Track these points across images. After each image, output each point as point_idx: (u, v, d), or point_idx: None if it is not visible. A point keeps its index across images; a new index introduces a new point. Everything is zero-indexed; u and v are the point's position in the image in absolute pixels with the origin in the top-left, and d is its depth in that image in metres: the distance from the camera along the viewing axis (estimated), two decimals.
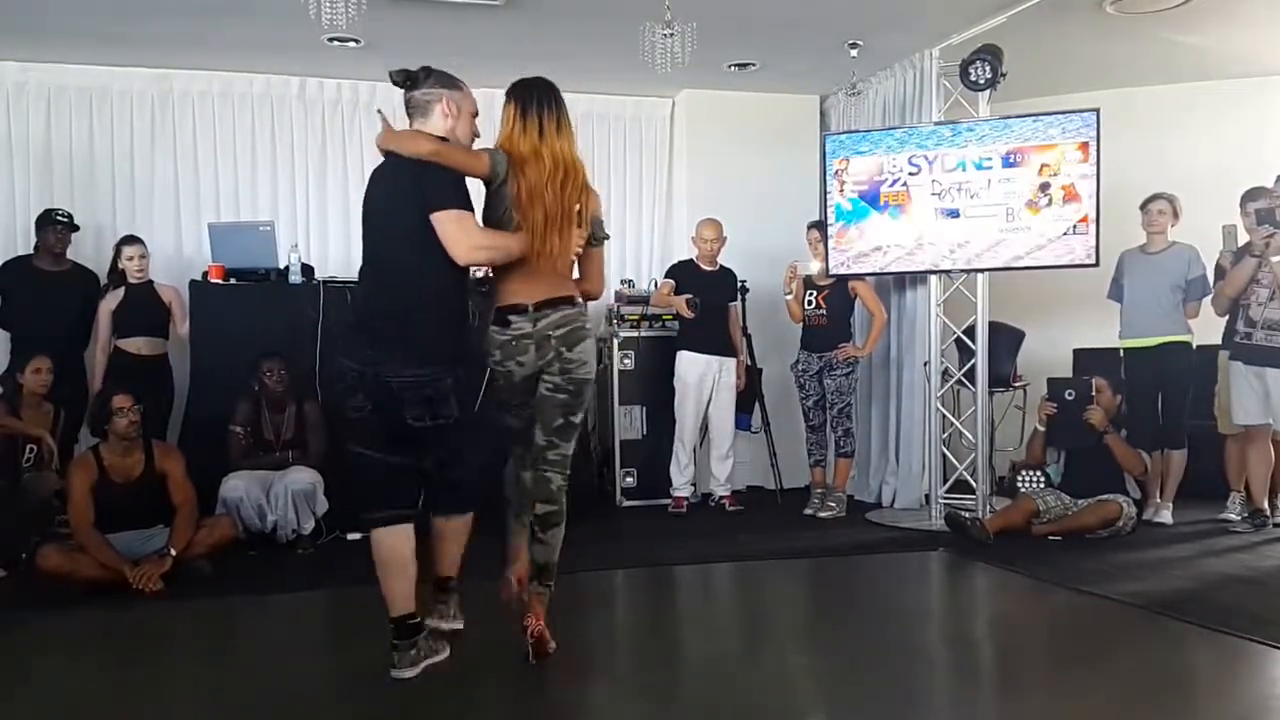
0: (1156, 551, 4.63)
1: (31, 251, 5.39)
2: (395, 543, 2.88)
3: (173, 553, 4.09)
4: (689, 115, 6.64)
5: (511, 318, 2.98)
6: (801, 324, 5.77)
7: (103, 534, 4.07)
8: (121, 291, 5.29)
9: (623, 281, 6.41)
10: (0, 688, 3.02)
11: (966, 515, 4.98)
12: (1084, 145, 5.01)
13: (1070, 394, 5.06)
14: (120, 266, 5.33)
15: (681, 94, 6.66)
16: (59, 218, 5.29)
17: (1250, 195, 5.11)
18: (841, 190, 5.54)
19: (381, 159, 2.97)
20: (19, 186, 5.81)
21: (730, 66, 6.07)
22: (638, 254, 6.76)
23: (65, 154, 5.87)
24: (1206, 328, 5.34)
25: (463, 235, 2.82)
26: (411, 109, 2.98)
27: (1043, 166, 5.10)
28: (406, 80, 2.97)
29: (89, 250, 5.67)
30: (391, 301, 2.87)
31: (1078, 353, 6.25)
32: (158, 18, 5.08)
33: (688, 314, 5.60)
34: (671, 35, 4.58)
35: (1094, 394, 5.02)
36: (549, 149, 2.97)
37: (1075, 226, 5.05)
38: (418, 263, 2.84)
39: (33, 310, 5.17)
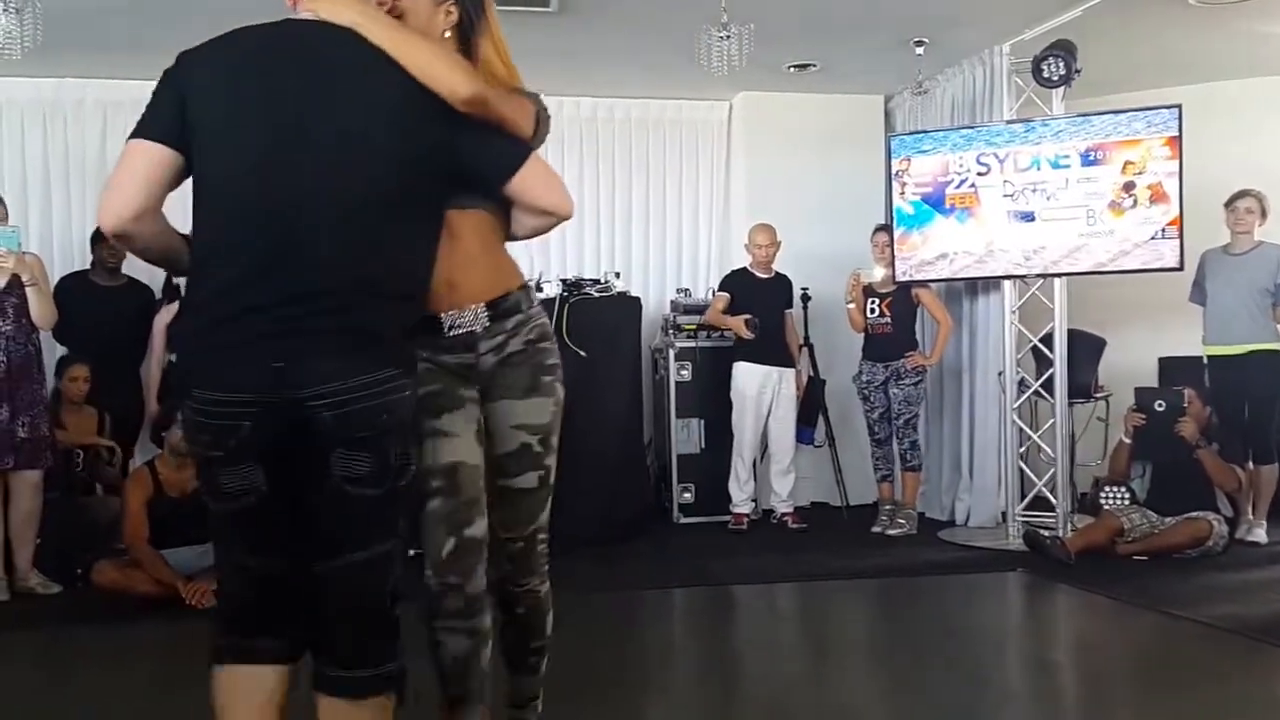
0: (1250, 572, 4.48)
1: (88, 267, 5.44)
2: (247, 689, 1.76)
3: None
4: (746, 119, 6.54)
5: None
6: (864, 333, 5.63)
7: (157, 549, 4.08)
8: (176, 305, 5.31)
9: (679, 290, 6.31)
10: (56, 701, 3.05)
11: (1046, 534, 4.82)
12: (1171, 140, 4.79)
13: (1161, 405, 4.89)
14: (175, 280, 5.35)
15: (739, 97, 6.55)
16: None
17: None
18: (903, 193, 5.37)
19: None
20: (75, 202, 5.89)
21: (789, 67, 5.96)
22: (694, 262, 6.64)
23: None
24: None
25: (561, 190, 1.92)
26: None
27: (1127, 164, 4.88)
28: None
29: (144, 264, 5.69)
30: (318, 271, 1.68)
31: (1163, 361, 6.02)
32: (215, 33, 5.07)
33: (747, 335, 5.51)
34: (728, 37, 4.54)
35: (1185, 405, 4.85)
36: None
37: (1164, 230, 4.82)
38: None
39: (88, 324, 5.21)
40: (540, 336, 2.02)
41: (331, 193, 1.67)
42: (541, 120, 1.94)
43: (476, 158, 1.83)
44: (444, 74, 1.74)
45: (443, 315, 1.92)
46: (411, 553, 2.23)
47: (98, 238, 5.36)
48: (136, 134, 1.72)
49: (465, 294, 1.94)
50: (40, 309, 4.40)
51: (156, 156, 1.70)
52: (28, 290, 4.36)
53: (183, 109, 1.70)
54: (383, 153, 1.70)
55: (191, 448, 1.75)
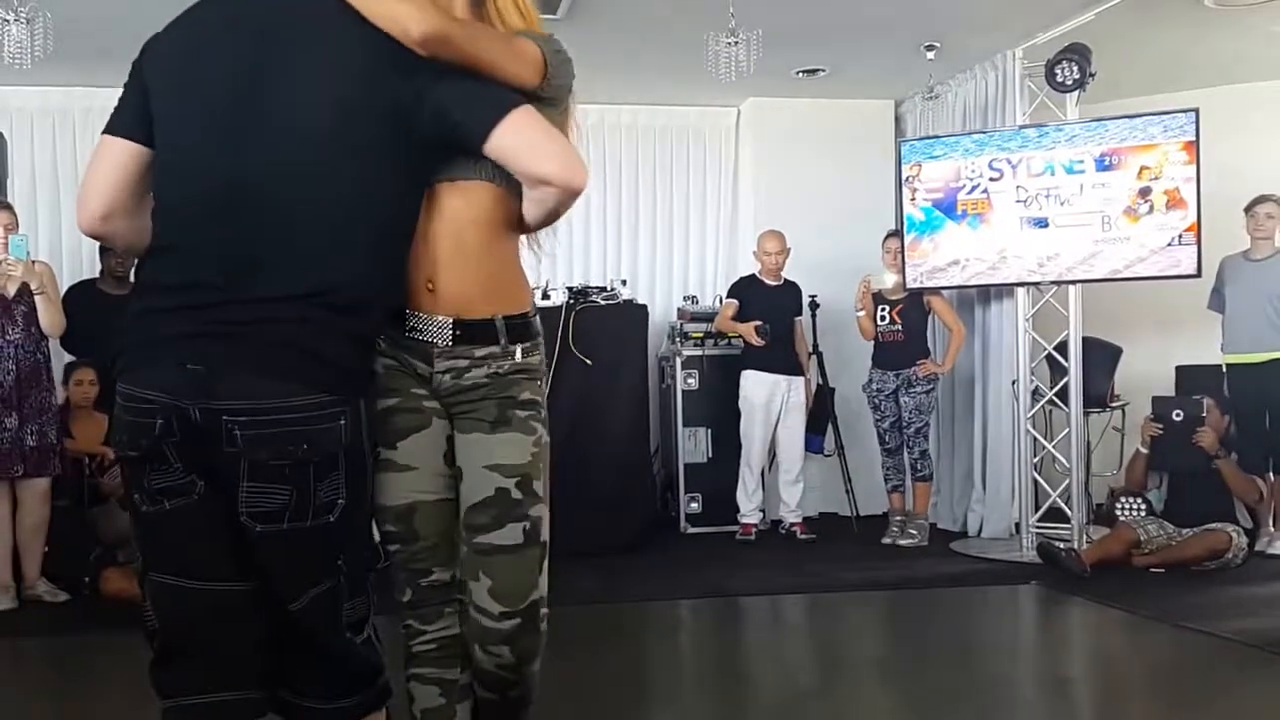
0: (1270, 585, 4.41)
1: (97, 275, 5.45)
2: None
3: None
4: (755, 124, 6.50)
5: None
6: (874, 341, 5.58)
7: None
8: None
9: (686, 298, 6.28)
10: (62, 709, 3.08)
11: (1061, 546, 4.75)
12: (1189, 145, 4.73)
13: (1179, 414, 4.84)
14: None
15: (747, 102, 6.52)
16: None
17: None
18: (913, 199, 5.32)
19: None
20: None
21: (798, 73, 5.92)
22: (702, 269, 6.61)
23: None
24: None
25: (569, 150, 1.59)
26: None
27: (1142, 169, 4.81)
28: None
29: None
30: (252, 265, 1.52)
31: (1181, 370, 5.93)
32: None
33: (757, 342, 5.47)
34: (736, 43, 4.52)
35: (1204, 414, 4.79)
36: None
37: (1181, 236, 4.75)
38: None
39: (96, 333, 5.21)
40: (515, 370, 1.68)
41: (275, 181, 1.51)
42: (553, 66, 1.61)
43: (455, 114, 1.52)
44: (389, 12, 1.47)
45: (408, 313, 1.64)
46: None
47: (106, 246, 5.38)
48: (105, 129, 1.64)
49: (441, 301, 1.64)
50: (49, 317, 4.42)
51: (122, 153, 1.60)
52: (36, 298, 4.39)
53: (146, 98, 1.59)
54: (335, 126, 1.50)
55: (114, 445, 1.62)
